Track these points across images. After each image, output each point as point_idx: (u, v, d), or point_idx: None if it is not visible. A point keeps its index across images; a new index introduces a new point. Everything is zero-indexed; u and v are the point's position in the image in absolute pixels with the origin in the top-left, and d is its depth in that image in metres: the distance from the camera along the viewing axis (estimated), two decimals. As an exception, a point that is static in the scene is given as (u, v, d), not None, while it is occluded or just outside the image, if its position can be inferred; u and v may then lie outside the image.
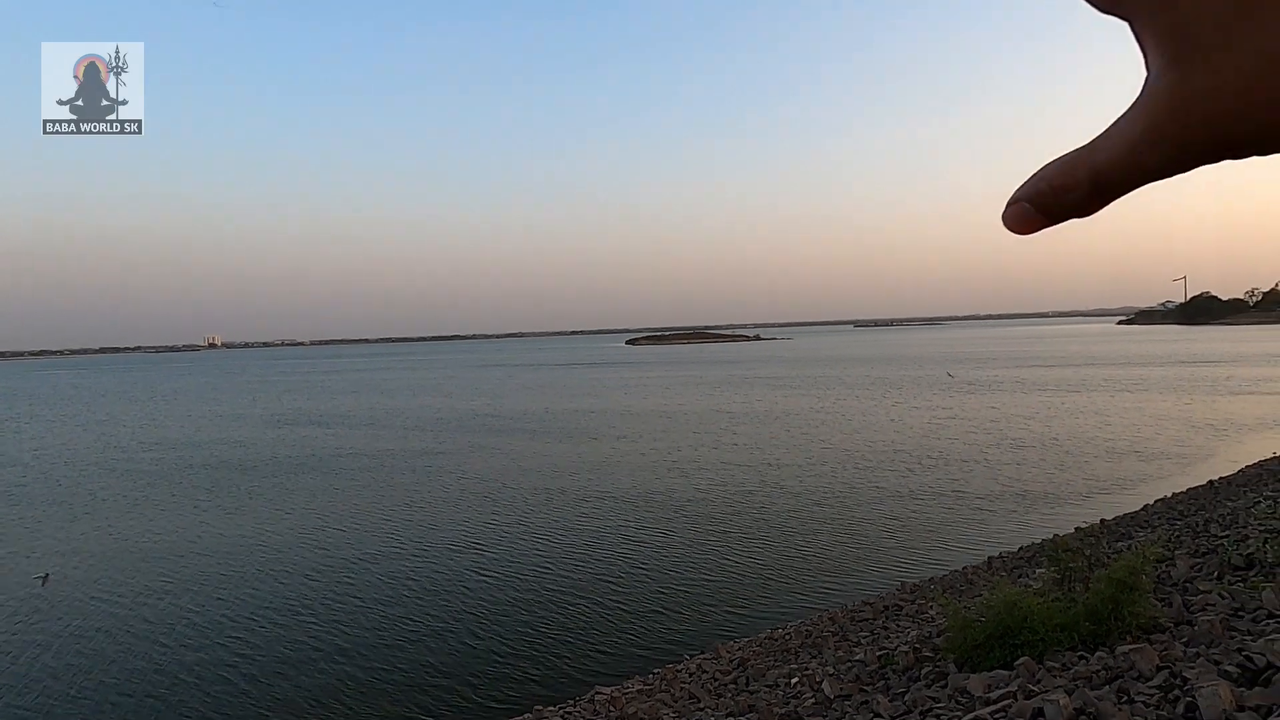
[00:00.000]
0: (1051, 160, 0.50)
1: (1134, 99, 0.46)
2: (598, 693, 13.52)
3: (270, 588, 20.75)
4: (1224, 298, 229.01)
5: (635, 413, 60.52)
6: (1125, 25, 0.46)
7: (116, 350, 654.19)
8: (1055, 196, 0.48)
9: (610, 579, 20.35)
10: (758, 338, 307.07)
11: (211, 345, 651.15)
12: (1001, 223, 0.51)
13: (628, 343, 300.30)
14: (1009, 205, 0.50)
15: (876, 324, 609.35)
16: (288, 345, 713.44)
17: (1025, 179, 0.50)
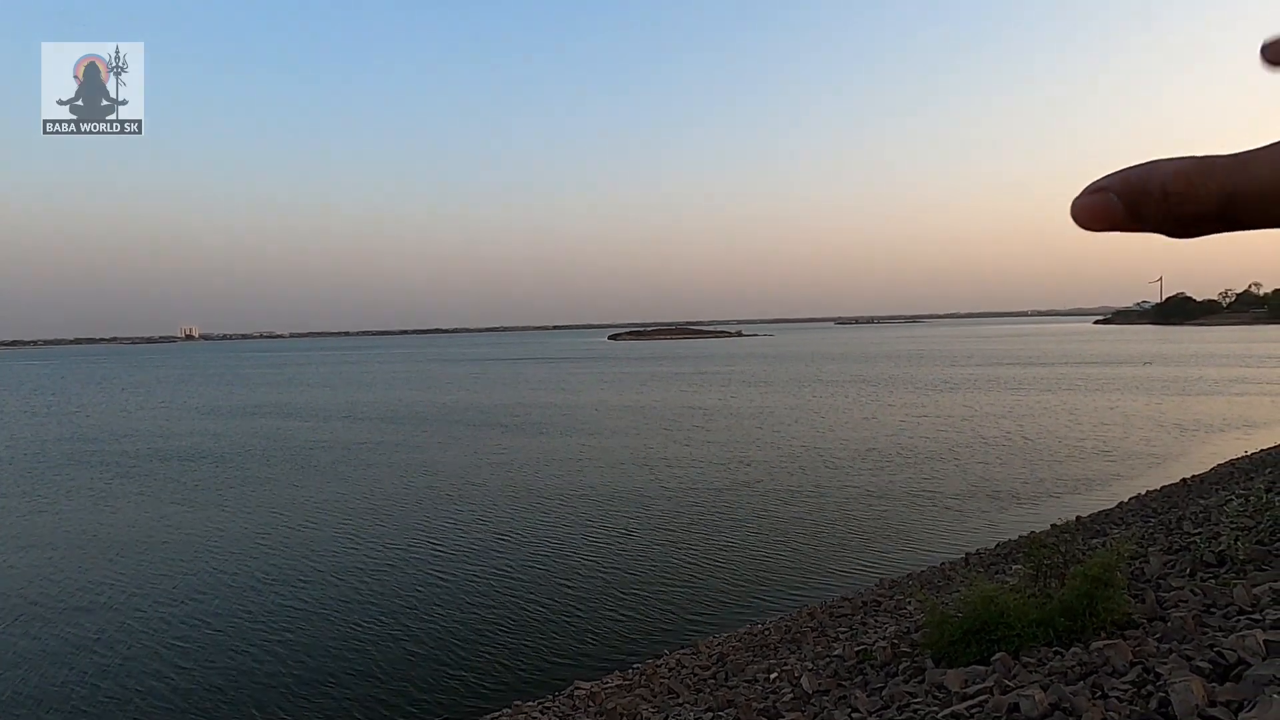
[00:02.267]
0: (1161, 159, 0.40)
1: None
2: (577, 688, 13.49)
3: (237, 584, 20.50)
4: (1198, 299, 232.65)
5: (612, 408, 60.43)
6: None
7: (92, 341, 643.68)
8: (1164, 203, 0.40)
9: (589, 575, 20.31)
10: (739, 334, 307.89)
11: (189, 337, 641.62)
12: (1071, 212, 0.43)
13: (610, 338, 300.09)
14: (1089, 193, 0.42)
15: (858, 321, 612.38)
16: (266, 338, 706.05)
17: (1120, 168, 0.41)
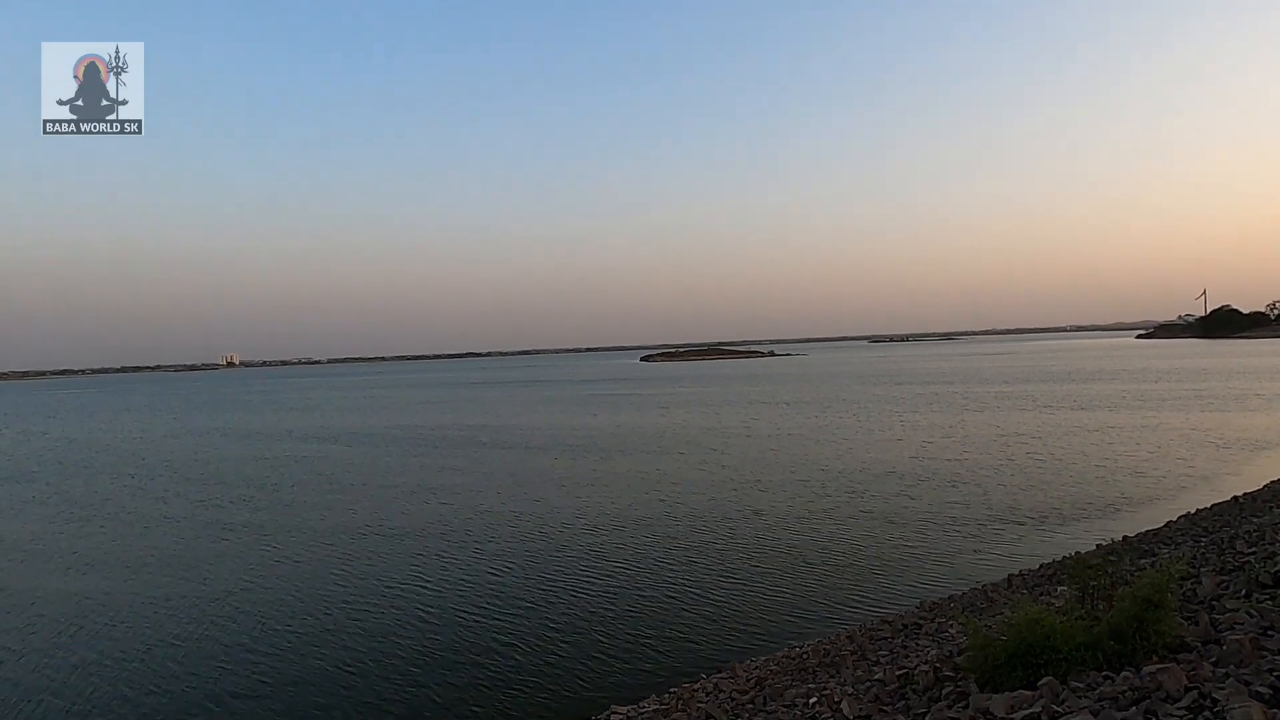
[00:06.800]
0: None
1: None
2: (613, 712, 13.40)
3: (273, 611, 20.76)
4: (1245, 311, 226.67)
5: (639, 430, 60.39)
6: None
7: (138, 369, 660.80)
8: None
9: (625, 598, 20.22)
10: (771, 354, 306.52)
11: (230, 364, 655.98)
12: None
13: (642, 359, 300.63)
14: None
15: (891, 339, 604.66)
16: (305, 364, 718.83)
17: None
